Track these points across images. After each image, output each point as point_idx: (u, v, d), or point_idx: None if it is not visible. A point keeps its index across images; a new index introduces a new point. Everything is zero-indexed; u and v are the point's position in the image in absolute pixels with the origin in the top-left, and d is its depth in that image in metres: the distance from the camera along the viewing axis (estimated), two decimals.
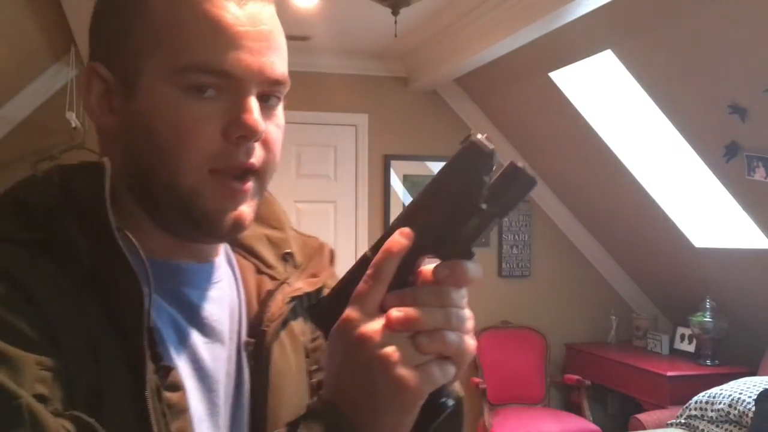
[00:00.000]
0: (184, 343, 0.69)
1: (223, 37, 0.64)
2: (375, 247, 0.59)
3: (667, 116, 3.47)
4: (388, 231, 0.59)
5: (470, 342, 0.58)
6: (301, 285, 0.79)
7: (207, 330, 0.71)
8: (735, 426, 3.32)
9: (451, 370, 0.57)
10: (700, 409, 3.51)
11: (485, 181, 0.57)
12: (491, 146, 0.57)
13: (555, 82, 3.89)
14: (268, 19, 0.68)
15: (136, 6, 0.66)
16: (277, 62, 0.68)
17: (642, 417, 3.82)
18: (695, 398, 3.57)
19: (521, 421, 4.15)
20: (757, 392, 3.25)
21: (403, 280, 0.58)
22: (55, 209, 0.63)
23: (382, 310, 0.57)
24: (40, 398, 0.54)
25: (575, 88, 3.90)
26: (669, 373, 3.92)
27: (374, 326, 0.56)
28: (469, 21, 3.66)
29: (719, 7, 2.77)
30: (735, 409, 3.32)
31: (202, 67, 0.64)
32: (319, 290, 0.81)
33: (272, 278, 0.79)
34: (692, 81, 3.20)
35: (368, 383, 0.56)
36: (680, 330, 4.47)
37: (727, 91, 3.06)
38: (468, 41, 3.76)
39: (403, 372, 0.55)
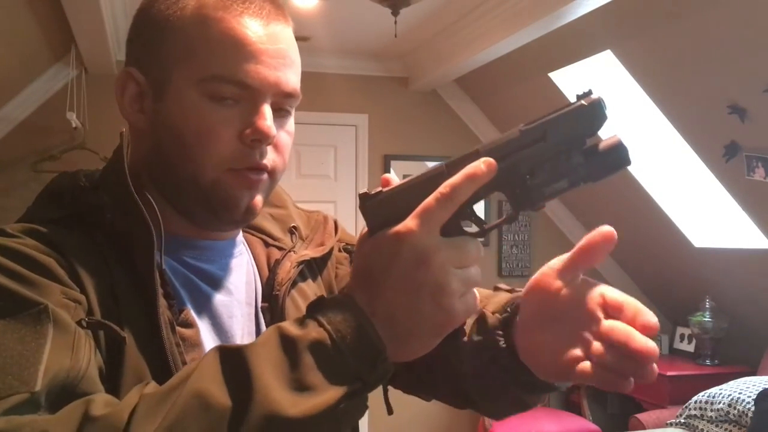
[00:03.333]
0: (199, 299, 0.77)
1: (245, 52, 0.72)
2: (452, 165, 0.58)
3: (666, 116, 3.47)
4: (470, 154, 0.58)
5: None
6: (307, 252, 0.87)
7: (224, 292, 0.79)
8: (734, 426, 3.32)
9: (477, 300, 0.59)
10: (700, 408, 3.51)
11: (587, 144, 0.56)
12: (606, 108, 0.56)
13: (555, 82, 3.89)
14: (286, 39, 0.76)
15: (170, 21, 0.75)
16: (291, 77, 0.76)
17: (642, 417, 3.82)
18: (695, 398, 3.57)
19: (521, 420, 4.15)
20: (757, 392, 3.26)
21: (467, 208, 0.57)
22: (79, 189, 0.74)
23: (444, 230, 0.57)
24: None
25: (575, 88, 3.89)
26: (669, 373, 3.92)
27: (436, 248, 0.56)
28: (469, 21, 3.66)
29: (719, 8, 2.77)
30: (734, 408, 3.32)
31: (225, 78, 0.72)
32: (325, 255, 0.90)
33: (280, 249, 0.87)
34: (692, 81, 3.20)
35: (415, 303, 0.56)
36: (680, 330, 4.47)
37: (726, 91, 3.06)
38: (468, 41, 3.77)
39: (454, 301, 0.56)
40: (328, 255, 0.91)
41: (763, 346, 3.85)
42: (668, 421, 3.67)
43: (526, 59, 3.78)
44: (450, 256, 0.57)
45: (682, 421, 3.58)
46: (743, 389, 3.38)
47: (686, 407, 3.60)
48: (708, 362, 4.08)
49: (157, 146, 0.76)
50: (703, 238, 4.03)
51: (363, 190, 0.63)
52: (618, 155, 0.56)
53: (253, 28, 0.73)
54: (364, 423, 4.51)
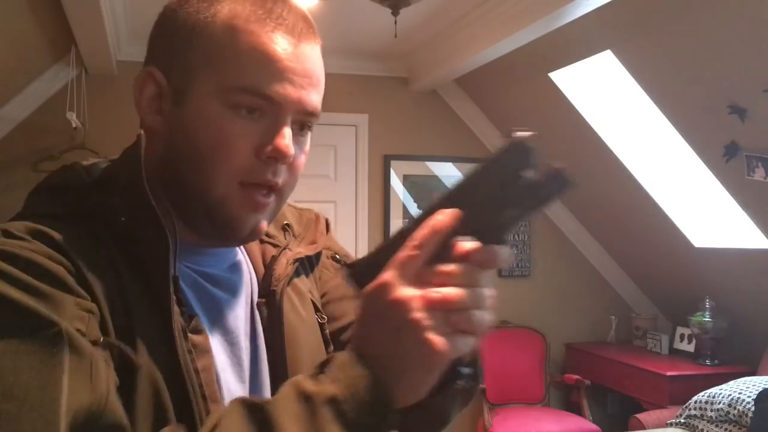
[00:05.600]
0: (207, 302, 0.78)
1: (273, 68, 0.72)
2: (415, 221, 0.63)
3: (666, 116, 3.47)
4: (430, 208, 0.63)
5: (490, 317, 0.62)
6: (301, 250, 0.89)
7: (228, 292, 0.80)
8: (734, 426, 3.33)
9: (472, 342, 0.61)
10: (700, 408, 3.51)
11: (524, 176, 0.60)
12: (532, 144, 0.61)
13: (555, 82, 3.89)
14: (314, 59, 0.78)
15: (199, 26, 0.74)
16: (315, 97, 0.78)
17: (642, 417, 3.82)
18: (695, 398, 3.57)
19: (521, 420, 4.15)
20: (757, 392, 3.26)
21: (437, 255, 0.62)
22: (85, 187, 0.73)
23: (418, 279, 0.61)
24: (78, 333, 0.61)
25: (575, 88, 3.90)
26: (669, 373, 3.93)
27: (410, 292, 0.59)
28: (469, 21, 3.66)
29: (719, 8, 2.77)
30: (734, 408, 3.32)
31: (249, 90, 0.72)
32: (318, 254, 0.92)
33: (274, 246, 0.88)
34: (692, 81, 3.20)
35: (399, 343, 0.59)
36: (680, 330, 4.47)
37: (726, 91, 3.06)
38: (468, 41, 3.77)
39: (432, 336, 0.59)
40: (319, 254, 0.94)
41: (763, 346, 3.85)
42: (668, 421, 3.67)
43: (526, 59, 3.78)
44: (426, 298, 0.60)
45: (682, 421, 3.58)
46: (743, 389, 3.38)
47: (686, 407, 3.60)
48: (708, 362, 4.08)
49: (170, 151, 0.75)
50: (703, 238, 4.03)
51: (343, 267, 0.70)
52: (559, 180, 0.60)
53: (283, 45, 0.73)
54: None
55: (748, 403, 3.26)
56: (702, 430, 3.46)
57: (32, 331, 0.58)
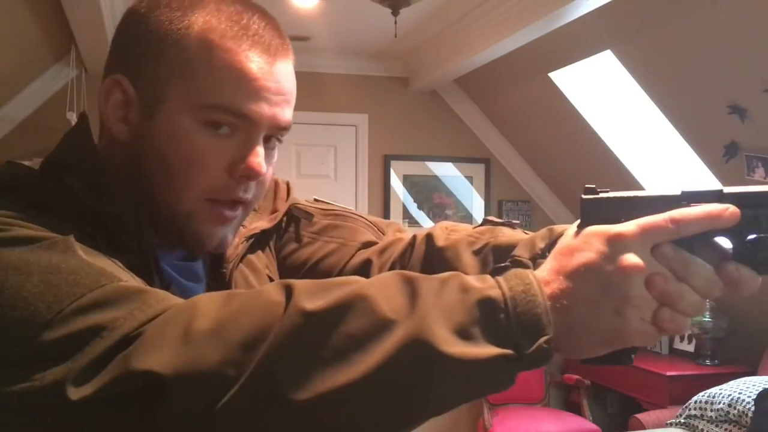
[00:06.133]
0: (178, 289, 0.76)
1: (249, 87, 0.71)
2: (692, 196, 0.57)
3: (666, 116, 3.47)
4: (714, 191, 0.57)
5: (685, 329, 0.58)
6: (260, 224, 0.88)
7: (191, 279, 0.80)
8: (734, 426, 3.32)
9: (658, 339, 0.57)
10: (700, 408, 3.51)
11: None
12: None
13: (555, 82, 3.89)
14: (288, 76, 0.76)
15: (172, 36, 0.72)
16: (288, 113, 0.76)
17: (642, 417, 3.82)
18: (695, 398, 3.57)
19: (521, 420, 4.15)
20: (757, 392, 3.26)
21: (687, 242, 0.56)
22: (35, 177, 0.72)
23: (655, 250, 0.55)
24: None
25: (575, 88, 3.90)
26: (669, 373, 3.92)
27: (640, 260, 0.54)
28: (469, 21, 3.66)
29: (719, 8, 2.77)
30: (735, 408, 3.32)
31: (224, 108, 0.71)
32: (278, 224, 0.91)
33: None
34: (692, 81, 3.20)
35: (597, 299, 0.55)
36: None
37: (726, 91, 3.06)
38: (468, 41, 3.77)
39: (634, 317, 0.54)
40: (281, 223, 0.92)
41: (763, 346, 3.85)
42: (668, 421, 3.67)
43: (526, 59, 3.78)
44: (651, 275, 0.55)
45: (682, 421, 3.58)
46: (743, 389, 3.38)
47: (686, 407, 3.60)
48: (708, 362, 4.08)
49: (137, 163, 0.74)
50: None
51: (586, 189, 0.61)
52: None
53: (259, 64, 0.72)
54: None
55: (748, 403, 3.26)
56: (702, 430, 3.45)
57: (42, 240, 0.61)
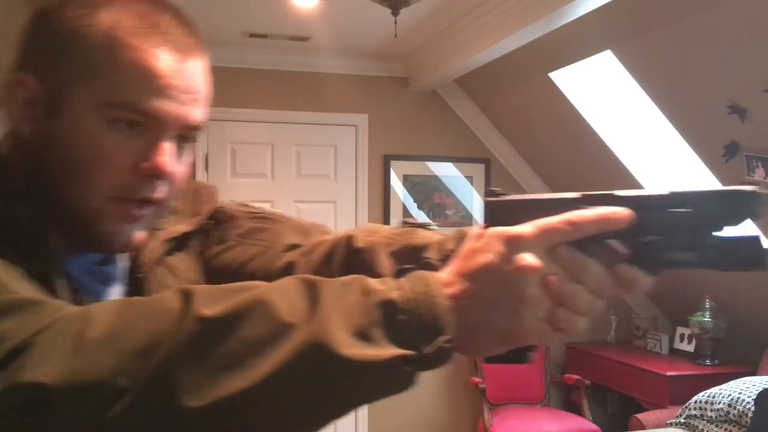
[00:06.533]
0: (85, 287, 0.76)
1: (155, 85, 0.70)
2: (589, 199, 0.58)
3: (666, 116, 3.47)
4: (608, 194, 0.58)
5: (582, 329, 0.59)
6: (180, 227, 0.87)
7: (104, 280, 0.79)
8: (734, 426, 3.33)
9: (554, 339, 0.58)
10: (700, 408, 3.51)
11: (724, 230, 0.55)
12: (759, 205, 0.54)
13: (555, 82, 3.89)
14: (199, 74, 0.75)
15: (78, 34, 0.70)
16: (198, 112, 0.75)
17: (642, 417, 3.82)
18: (695, 398, 3.57)
19: (521, 420, 4.15)
20: (757, 392, 3.26)
21: (581, 243, 0.57)
22: None
23: (552, 251, 0.56)
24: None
25: (575, 88, 3.90)
26: (669, 373, 3.92)
27: (539, 265, 0.55)
28: (469, 21, 3.66)
29: (719, 8, 2.77)
30: (734, 408, 3.32)
31: (129, 106, 0.70)
32: (202, 227, 0.90)
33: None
34: (692, 81, 3.20)
35: (495, 299, 0.56)
36: (680, 330, 4.47)
37: (726, 91, 3.06)
38: (468, 41, 3.77)
39: (528, 316, 0.55)
40: (204, 224, 0.91)
41: (763, 346, 3.85)
42: (668, 421, 3.67)
43: (526, 59, 3.78)
44: (547, 276, 0.56)
45: (682, 421, 3.58)
46: (743, 389, 3.38)
47: (686, 407, 3.60)
48: (708, 362, 4.08)
49: (42, 161, 0.72)
50: None
51: (488, 192, 0.63)
52: (754, 253, 0.54)
53: (168, 62, 0.71)
54: (364, 422, 4.51)
55: (748, 403, 3.26)
56: (702, 430, 3.46)
57: None
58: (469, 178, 4.84)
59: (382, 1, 2.96)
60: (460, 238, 0.75)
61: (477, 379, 4.36)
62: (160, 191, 0.74)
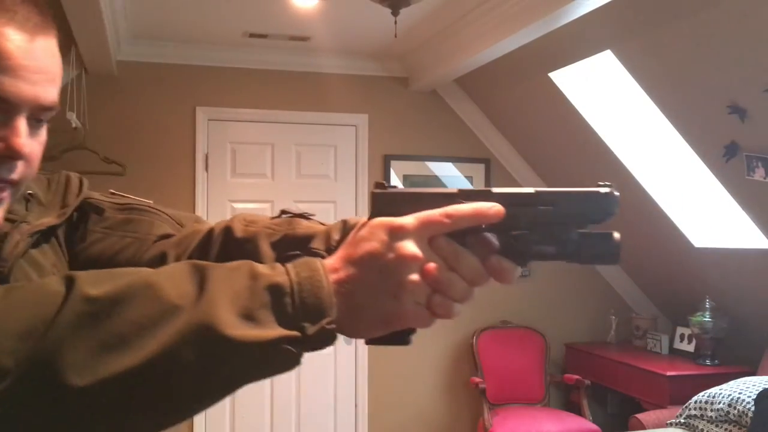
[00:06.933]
0: None
1: (4, 65, 0.68)
2: (465, 194, 0.64)
3: (666, 116, 3.47)
4: (484, 191, 0.63)
5: (456, 315, 0.63)
6: (47, 220, 0.84)
7: None
8: (734, 426, 3.33)
9: (432, 322, 0.62)
10: (700, 408, 3.51)
11: (585, 227, 0.62)
12: (615, 205, 0.61)
13: (555, 82, 3.89)
14: (50, 53, 0.74)
15: None
16: (51, 91, 0.73)
17: (642, 417, 3.82)
18: (695, 398, 3.57)
19: (521, 420, 4.15)
20: (757, 392, 3.26)
21: (457, 235, 0.62)
22: None
23: (432, 245, 0.61)
24: None
25: (575, 88, 3.90)
26: (669, 373, 3.93)
27: (419, 254, 0.60)
28: (469, 21, 3.67)
29: (719, 8, 2.77)
30: (735, 408, 3.32)
31: None
32: (68, 219, 0.87)
33: (11, 221, 0.81)
34: (692, 81, 3.20)
35: (377, 285, 0.60)
36: (680, 330, 4.47)
37: (726, 91, 3.06)
38: (468, 41, 3.77)
39: (414, 306, 0.60)
40: (71, 218, 0.89)
41: (763, 346, 3.85)
42: (668, 421, 3.67)
43: (526, 59, 3.78)
44: (426, 264, 0.60)
45: (682, 421, 3.58)
46: (743, 389, 3.38)
47: (686, 407, 3.60)
48: (708, 362, 4.08)
49: None
50: (703, 238, 4.03)
51: (376, 184, 0.69)
52: (607, 248, 0.61)
53: (16, 41, 0.69)
54: (364, 421, 4.51)
55: (748, 403, 3.26)
56: (702, 430, 3.46)
57: None
58: (469, 178, 4.84)
59: (382, 1, 2.96)
60: (344, 229, 0.79)
61: (477, 379, 4.36)
62: (17, 173, 0.73)
